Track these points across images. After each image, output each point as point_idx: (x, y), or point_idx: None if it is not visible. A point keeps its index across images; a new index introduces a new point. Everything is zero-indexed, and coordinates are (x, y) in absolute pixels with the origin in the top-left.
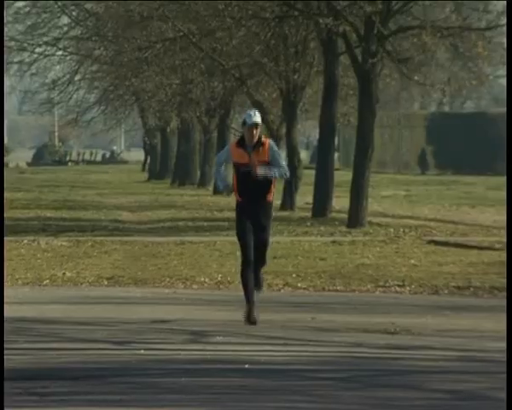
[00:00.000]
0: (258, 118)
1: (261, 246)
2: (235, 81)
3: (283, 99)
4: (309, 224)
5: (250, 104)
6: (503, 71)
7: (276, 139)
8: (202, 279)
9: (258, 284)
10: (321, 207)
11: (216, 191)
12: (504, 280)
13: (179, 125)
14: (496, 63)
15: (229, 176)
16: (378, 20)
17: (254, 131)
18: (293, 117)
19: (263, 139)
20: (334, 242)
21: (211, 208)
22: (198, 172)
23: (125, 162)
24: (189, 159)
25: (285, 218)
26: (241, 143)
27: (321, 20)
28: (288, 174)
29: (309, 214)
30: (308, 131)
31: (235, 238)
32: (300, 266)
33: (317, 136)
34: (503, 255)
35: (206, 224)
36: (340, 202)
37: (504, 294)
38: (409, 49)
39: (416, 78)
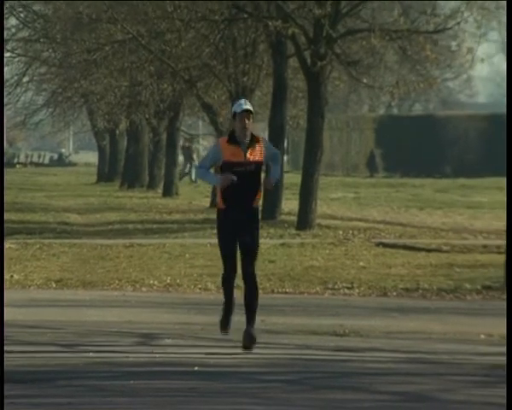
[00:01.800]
0: (249, 105)
1: (250, 258)
2: (185, 83)
3: (232, 102)
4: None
5: (199, 107)
6: (450, 74)
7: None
8: (151, 282)
9: (251, 337)
10: (270, 209)
11: (166, 194)
12: (452, 282)
13: (128, 128)
14: (443, 66)
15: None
16: (327, 22)
17: (247, 121)
18: None
19: (256, 135)
20: (283, 244)
21: (160, 211)
22: (147, 175)
23: (74, 165)
24: (138, 161)
25: None
26: (232, 138)
27: (270, 23)
28: (281, 160)
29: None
30: (257, 133)
31: (184, 240)
32: None
33: (267, 138)
34: (451, 257)
35: (155, 226)
36: (290, 204)
37: (451, 295)
38: (357, 52)
39: (364, 80)
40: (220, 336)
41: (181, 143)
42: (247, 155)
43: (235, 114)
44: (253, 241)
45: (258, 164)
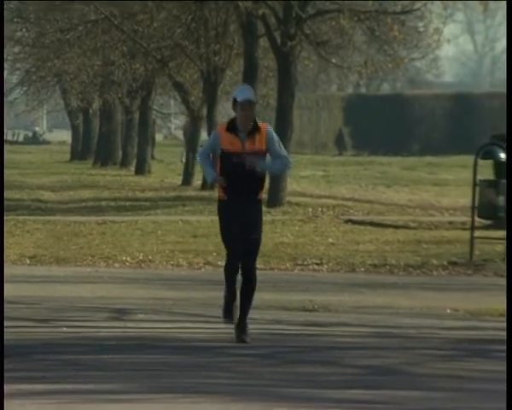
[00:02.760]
0: (252, 94)
1: (251, 252)
2: (157, 63)
3: (204, 81)
4: (208, 186)
5: (171, 86)
6: (417, 54)
7: (197, 120)
8: (124, 258)
9: (243, 332)
10: None
11: (139, 172)
12: (419, 258)
13: (101, 106)
14: (411, 46)
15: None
16: (296, 3)
17: (249, 111)
18: (214, 98)
19: (259, 124)
20: None
21: (133, 188)
22: (120, 153)
23: (48, 143)
24: (111, 139)
25: (206, 197)
26: (231, 126)
27: (240, 4)
28: (290, 165)
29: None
30: (229, 111)
31: (156, 217)
32: (220, 245)
33: None
34: (418, 234)
35: (127, 203)
36: None
37: (418, 271)
38: (327, 33)
39: (333, 60)
40: (192, 310)
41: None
42: (246, 145)
43: (235, 101)
44: (255, 236)
45: (257, 154)
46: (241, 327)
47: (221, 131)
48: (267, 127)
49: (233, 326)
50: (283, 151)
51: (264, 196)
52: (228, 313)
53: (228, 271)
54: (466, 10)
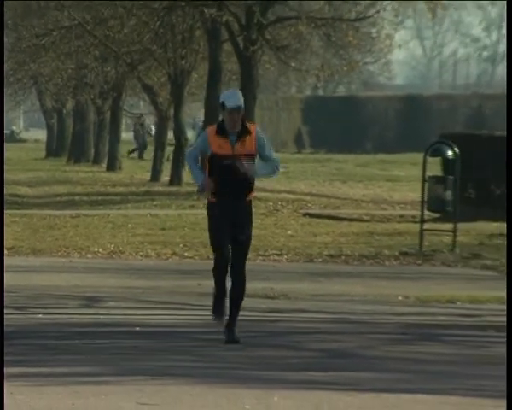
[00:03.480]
0: (240, 100)
1: (241, 253)
2: (127, 66)
3: (171, 83)
4: (195, 198)
5: (140, 88)
6: (370, 58)
7: (165, 120)
8: (96, 249)
9: (231, 333)
10: None
11: (110, 168)
12: (372, 249)
13: (74, 107)
14: (364, 51)
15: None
16: (258, 10)
17: (236, 117)
18: (181, 99)
19: (248, 126)
20: None
21: (104, 184)
22: (92, 150)
23: (24, 141)
24: (83, 138)
25: (173, 193)
26: (221, 129)
27: (206, 11)
28: (279, 169)
29: (195, 190)
30: (194, 112)
31: (127, 211)
32: (187, 237)
33: (203, 117)
34: (371, 226)
35: (99, 198)
36: None
37: (372, 261)
38: (286, 38)
39: (292, 64)
40: (159, 298)
41: (132, 124)
42: (236, 147)
43: (223, 105)
44: (245, 237)
45: (247, 157)
46: (231, 328)
47: (210, 135)
48: (256, 129)
49: (219, 322)
50: (273, 154)
51: (253, 197)
52: (217, 309)
53: (216, 274)
54: (415, 17)
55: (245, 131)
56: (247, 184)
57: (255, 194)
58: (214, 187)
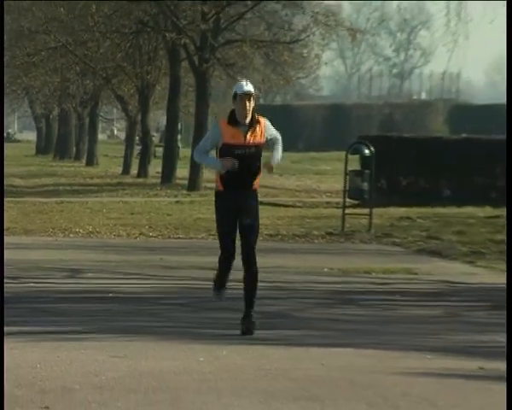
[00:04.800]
0: (249, 86)
1: (250, 239)
2: (102, 80)
3: (139, 94)
4: (159, 188)
5: (114, 98)
6: (302, 74)
7: (134, 124)
8: (77, 230)
9: (249, 326)
10: (168, 175)
11: (88, 164)
12: (304, 229)
13: (59, 113)
14: (297, 68)
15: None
16: (210, 35)
17: (247, 103)
18: (147, 107)
19: (258, 117)
20: (177, 202)
21: (84, 176)
22: (74, 149)
23: (18, 141)
24: (66, 139)
25: (140, 184)
26: (232, 119)
27: (167, 35)
28: (281, 142)
29: (159, 181)
30: (158, 118)
31: (102, 199)
32: (152, 220)
33: (165, 122)
34: (303, 211)
35: (80, 188)
36: (182, 172)
37: (303, 239)
38: (233, 57)
39: (238, 78)
40: (129, 270)
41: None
42: (248, 136)
43: (235, 95)
44: (252, 220)
45: (258, 146)
46: (248, 318)
47: (222, 125)
48: (265, 120)
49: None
50: (277, 133)
51: (258, 186)
52: (219, 284)
53: (221, 263)
54: (339, 40)
55: (255, 122)
56: (254, 174)
57: (259, 184)
58: (233, 164)
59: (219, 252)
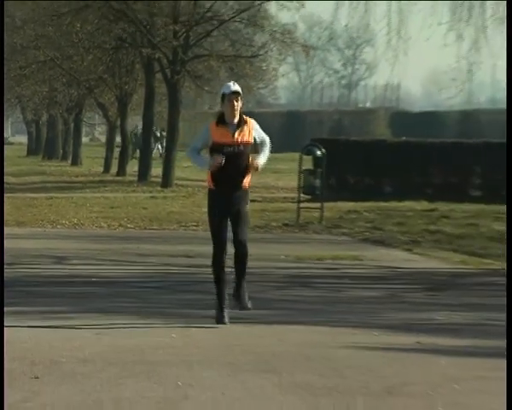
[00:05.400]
0: (236, 86)
1: (241, 224)
2: (86, 90)
3: (118, 102)
4: (135, 185)
5: (96, 105)
6: (262, 85)
7: (113, 128)
8: (64, 222)
9: (240, 300)
10: (143, 174)
11: (74, 163)
12: (263, 221)
13: (48, 119)
14: (258, 79)
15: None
16: (181, 50)
17: (235, 102)
18: (125, 114)
19: (245, 118)
20: (152, 197)
21: (69, 175)
22: (61, 151)
23: (12, 144)
24: (54, 141)
25: (119, 181)
26: (221, 121)
27: (143, 50)
28: (270, 144)
29: (135, 179)
30: (135, 123)
31: (85, 194)
32: (130, 213)
33: (141, 127)
34: (263, 205)
35: (66, 185)
36: (157, 170)
37: (263, 230)
38: (201, 70)
39: (206, 88)
40: (110, 257)
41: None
42: (236, 135)
43: (223, 96)
44: (243, 212)
45: (246, 144)
46: (239, 297)
47: (212, 126)
48: (252, 121)
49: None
50: (265, 136)
51: (248, 185)
52: (220, 319)
53: (215, 265)
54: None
55: (242, 122)
56: (243, 172)
57: (249, 183)
58: (220, 161)
59: (194, 245)
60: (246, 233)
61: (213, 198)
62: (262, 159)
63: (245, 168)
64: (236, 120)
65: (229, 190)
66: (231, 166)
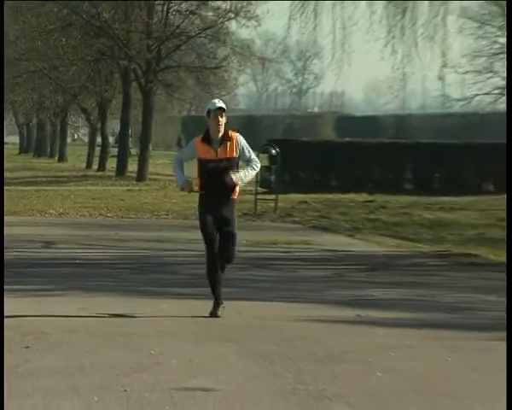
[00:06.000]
0: (221, 103)
1: (228, 242)
2: (71, 96)
3: (99, 107)
4: (114, 179)
5: (80, 110)
6: (224, 92)
7: (95, 130)
8: (51, 211)
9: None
10: (121, 169)
11: (60, 160)
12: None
13: (37, 122)
14: (220, 87)
15: (188, 169)
16: (153, 62)
17: (220, 119)
18: (105, 117)
19: (230, 133)
20: (128, 190)
21: (56, 170)
22: (49, 149)
23: (6, 143)
24: (43, 141)
25: (99, 176)
26: (206, 138)
27: (120, 62)
28: (258, 165)
29: (114, 174)
30: (113, 126)
31: (70, 188)
32: (109, 204)
33: (119, 128)
34: None
35: (53, 179)
36: (133, 166)
37: None
38: (171, 79)
39: (175, 95)
40: (91, 242)
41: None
42: (219, 152)
43: (209, 112)
44: (231, 230)
45: (230, 160)
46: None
47: (197, 143)
48: (237, 136)
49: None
50: (252, 155)
51: (236, 196)
52: (214, 313)
53: (209, 273)
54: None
55: (226, 138)
56: (229, 186)
57: (237, 194)
58: (190, 187)
59: (165, 231)
60: (233, 250)
61: (203, 207)
62: (240, 175)
63: (231, 185)
64: (221, 134)
65: (216, 201)
66: (216, 180)
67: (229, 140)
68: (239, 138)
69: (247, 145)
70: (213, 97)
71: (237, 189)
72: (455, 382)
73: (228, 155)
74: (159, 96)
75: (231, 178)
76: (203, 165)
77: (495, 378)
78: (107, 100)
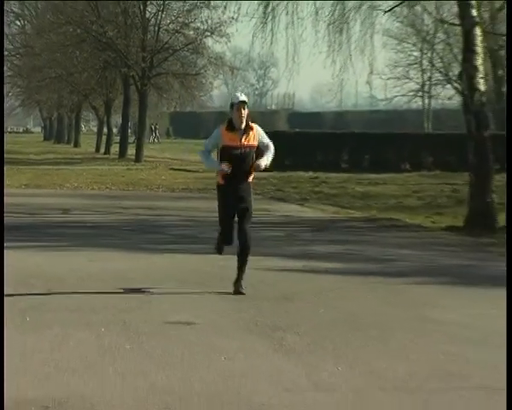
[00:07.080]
0: (245, 97)
1: (244, 217)
2: (83, 97)
3: (105, 105)
4: (117, 160)
5: (90, 107)
6: (203, 93)
7: (102, 123)
8: (68, 185)
9: (239, 287)
10: (122, 153)
11: (75, 146)
12: (203, 185)
13: (57, 116)
14: (199, 90)
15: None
16: (147, 70)
17: (242, 110)
18: (110, 113)
19: (251, 124)
20: (128, 169)
21: (71, 154)
22: (66, 137)
23: (32, 133)
24: (61, 131)
25: (105, 158)
26: (230, 126)
27: (121, 70)
28: (273, 150)
29: (117, 156)
30: (116, 119)
31: (83, 167)
32: (113, 180)
33: (121, 121)
34: (201, 175)
35: (69, 160)
36: (131, 150)
37: (203, 192)
38: (161, 83)
39: (164, 96)
40: (100, 210)
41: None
42: (242, 140)
43: (232, 105)
44: (247, 206)
45: (251, 148)
46: (239, 282)
47: (223, 132)
48: (257, 127)
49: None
50: (269, 142)
51: (253, 179)
52: (219, 250)
53: (222, 242)
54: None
55: (248, 128)
56: (248, 170)
57: (253, 178)
58: (228, 167)
59: (156, 201)
60: (248, 225)
61: (222, 192)
62: (264, 160)
63: (249, 168)
64: (243, 125)
65: (236, 185)
66: (238, 165)
67: (251, 130)
68: (258, 129)
69: (264, 134)
70: (194, 98)
71: (253, 174)
72: (377, 314)
73: (250, 143)
74: (151, 96)
75: (260, 165)
76: (227, 151)
77: (407, 311)
78: (111, 99)
